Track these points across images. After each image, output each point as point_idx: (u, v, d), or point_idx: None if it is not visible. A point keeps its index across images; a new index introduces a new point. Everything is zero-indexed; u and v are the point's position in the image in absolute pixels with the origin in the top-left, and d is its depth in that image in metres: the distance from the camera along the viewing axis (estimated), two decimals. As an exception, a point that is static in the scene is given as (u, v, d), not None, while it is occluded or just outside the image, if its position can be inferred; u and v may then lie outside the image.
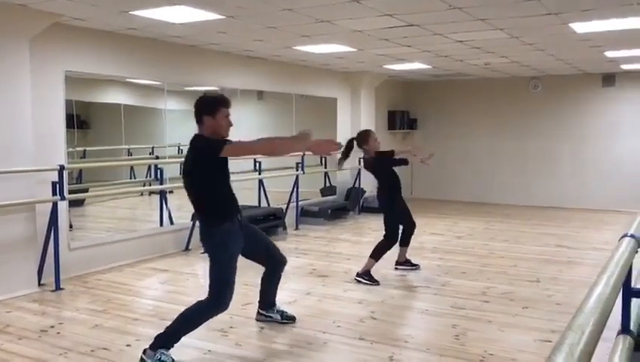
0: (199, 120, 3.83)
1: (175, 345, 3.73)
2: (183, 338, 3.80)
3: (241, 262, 6.39)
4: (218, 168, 3.75)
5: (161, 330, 3.77)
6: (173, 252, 7.21)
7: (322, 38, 6.99)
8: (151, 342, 3.71)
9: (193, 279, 6.21)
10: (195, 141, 3.81)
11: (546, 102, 11.57)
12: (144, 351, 3.69)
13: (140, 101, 8.17)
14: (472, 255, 7.14)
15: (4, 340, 4.16)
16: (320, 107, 10.60)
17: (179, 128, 8.34)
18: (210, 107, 3.83)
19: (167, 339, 3.72)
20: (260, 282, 4.47)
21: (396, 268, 6.25)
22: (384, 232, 5.83)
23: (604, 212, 10.66)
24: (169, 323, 3.81)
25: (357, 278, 5.78)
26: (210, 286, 3.80)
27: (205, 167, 3.71)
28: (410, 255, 6.39)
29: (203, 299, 3.81)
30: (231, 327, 4.42)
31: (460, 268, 6.45)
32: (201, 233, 3.94)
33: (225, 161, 3.75)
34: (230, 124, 3.86)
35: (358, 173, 10.70)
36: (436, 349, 4.02)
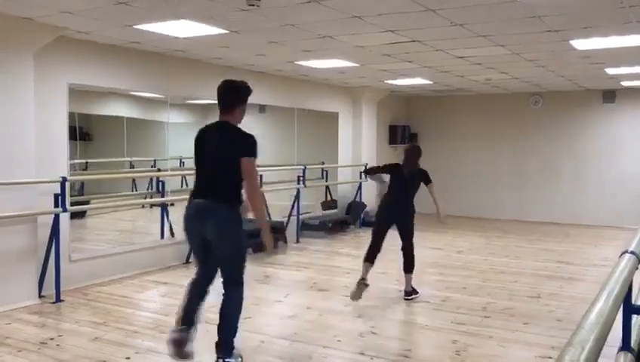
0: (231, 108, 3.73)
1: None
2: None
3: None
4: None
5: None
6: (174, 264, 7.20)
7: (324, 53, 7.04)
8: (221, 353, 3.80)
9: (193, 292, 6.21)
10: (239, 133, 3.73)
11: (546, 118, 11.61)
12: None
13: (143, 114, 8.22)
14: (472, 270, 7.13)
15: (3, 352, 4.16)
16: (321, 121, 10.64)
17: (181, 141, 8.37)
18: (246, 96, 3.75)
19: (230, 344, 3.82)
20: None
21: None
22: (410, 241, 5.71)
23: (604, 228, 10.65)
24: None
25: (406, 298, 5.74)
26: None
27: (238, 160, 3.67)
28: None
29: (228, 291, 3.80)
30: (231, 341, 4.41)
31: (461, 283, 6.44)
32: (223, 217, 3.73)
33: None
34: None
35: (359, 187, 10.71)
36: (436, 364, 4.01)
